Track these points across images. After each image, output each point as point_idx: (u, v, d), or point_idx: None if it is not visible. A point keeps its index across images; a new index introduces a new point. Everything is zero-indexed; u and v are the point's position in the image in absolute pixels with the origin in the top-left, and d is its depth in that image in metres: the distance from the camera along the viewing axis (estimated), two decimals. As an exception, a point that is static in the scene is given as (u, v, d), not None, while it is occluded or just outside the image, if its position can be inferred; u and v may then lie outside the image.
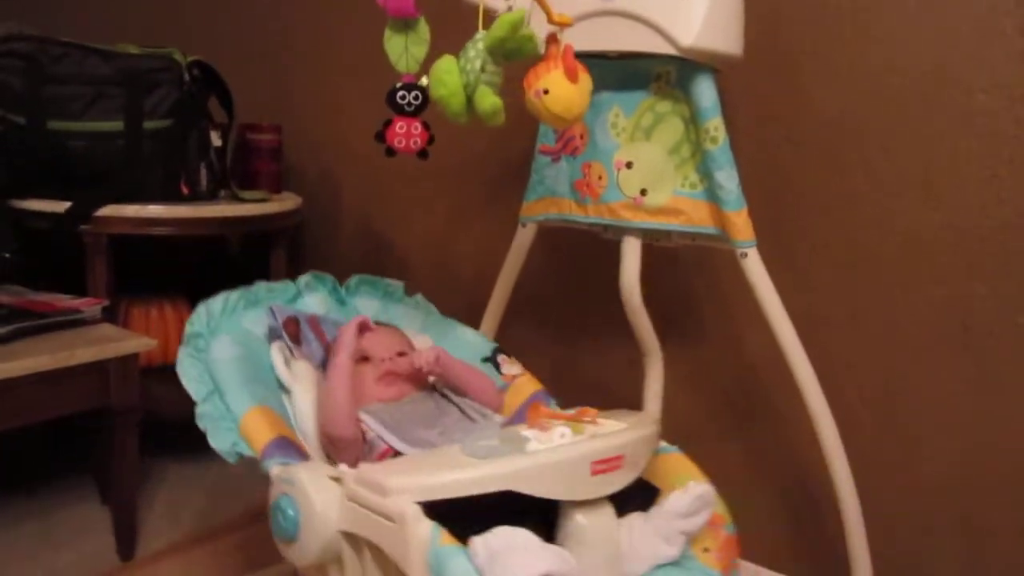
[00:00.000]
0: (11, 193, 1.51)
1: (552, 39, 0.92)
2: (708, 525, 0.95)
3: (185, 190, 1.58)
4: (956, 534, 1.22)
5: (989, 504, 1.19)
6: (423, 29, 0.99)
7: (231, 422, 1.01)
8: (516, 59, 0.93)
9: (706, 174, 1.11)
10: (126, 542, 1.42)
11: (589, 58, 0.98)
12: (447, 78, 0.93)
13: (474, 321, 1.31)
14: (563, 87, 0.90)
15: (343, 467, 0.96)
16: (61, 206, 1.47)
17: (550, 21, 0.92)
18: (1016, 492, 1.16)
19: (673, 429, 1.46)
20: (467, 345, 1.25)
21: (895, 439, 1.25)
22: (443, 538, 0.76)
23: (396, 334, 1.19)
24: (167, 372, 1.05)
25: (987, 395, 1.17)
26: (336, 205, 1.90)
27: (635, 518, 0.92)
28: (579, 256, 1.50)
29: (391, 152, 1.04)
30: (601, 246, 1.27)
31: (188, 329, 1.10)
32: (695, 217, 1.14)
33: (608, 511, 0.89)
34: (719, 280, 1.37)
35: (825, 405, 1.12)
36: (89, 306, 1.40)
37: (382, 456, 1.01)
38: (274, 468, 0.94)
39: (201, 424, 1.00)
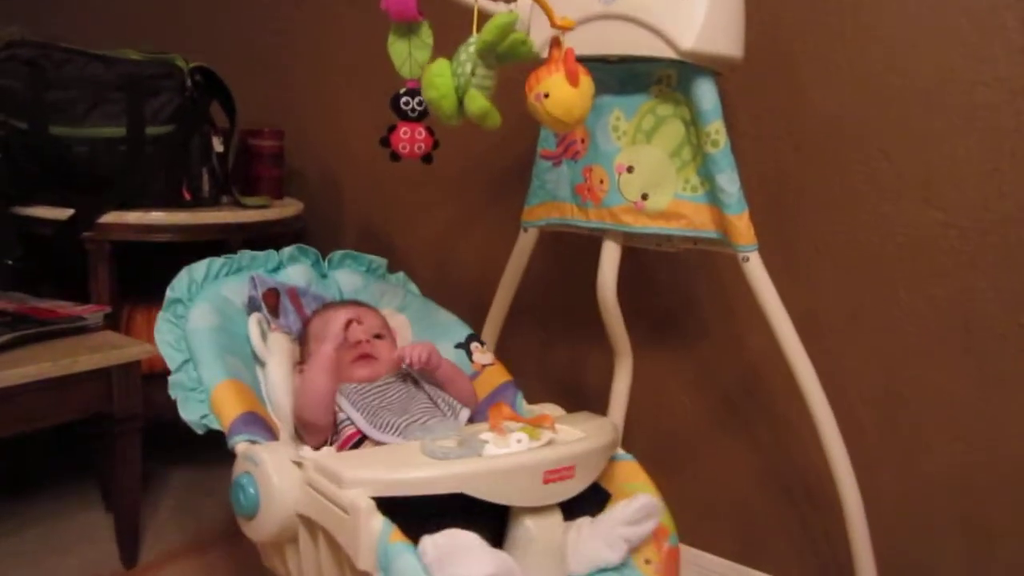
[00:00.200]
0: (14, 199, 1.52)
1: (555, 43, 0.93)
2: (652, 537, 0.97)
3: (187, 196, 1.58)
4: (958, 534, 1.22)
5: (991, 504, 1.19)
6: (426, 34, 0.99)
7: (203, 394, 1.03)
8: (510, 62, 0.93)
9: (707, 177, 1.11)
10: (129, 548, 1.42)
11: (590, 62, 0.98)
12: (438, 81, 0.94)
13: (476, 325, 1.32)
14: (564, 91, 0.91)
15: (306, 450, 0.98)
16: (64, 213, 1.47)
17: (552, 25, 0.92)
18: (1018, 492, 1.16)
19: (675, 430, 1.47)
20: (443, 328, 1.27)
21: (897, 439, 1.25)
22: (393, 534, 0.79)
23: (374, 315, 1.21)
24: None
25: (989, 395, 1.17)
26: (338, 210, 1.90)
27: (583, 522, 0.95)
28: (580, 259, 1.50)
29: (396, 157, 1.05)
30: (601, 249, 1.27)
31: (169, 294, 1.12)
32: (696, 221, 1.14)
33: (557, 518, 0.92)
34: (721, 281, 1.37)
35: (827, 405, 1.12)
36: (91, 313, 1.40)
37: (348, 440, 1.04)
38: (240, 445, 0.97)
39: (172, 393, 1.03)
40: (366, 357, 1.14)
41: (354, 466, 0.86)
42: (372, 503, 0.80)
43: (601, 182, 1.19)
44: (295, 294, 1.23)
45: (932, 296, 1.20)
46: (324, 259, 1.33)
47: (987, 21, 1.11)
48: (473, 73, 0.92)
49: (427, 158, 1.06)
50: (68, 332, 1.35)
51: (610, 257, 1.23)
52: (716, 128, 1.08)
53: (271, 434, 1.01)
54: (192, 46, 1.77)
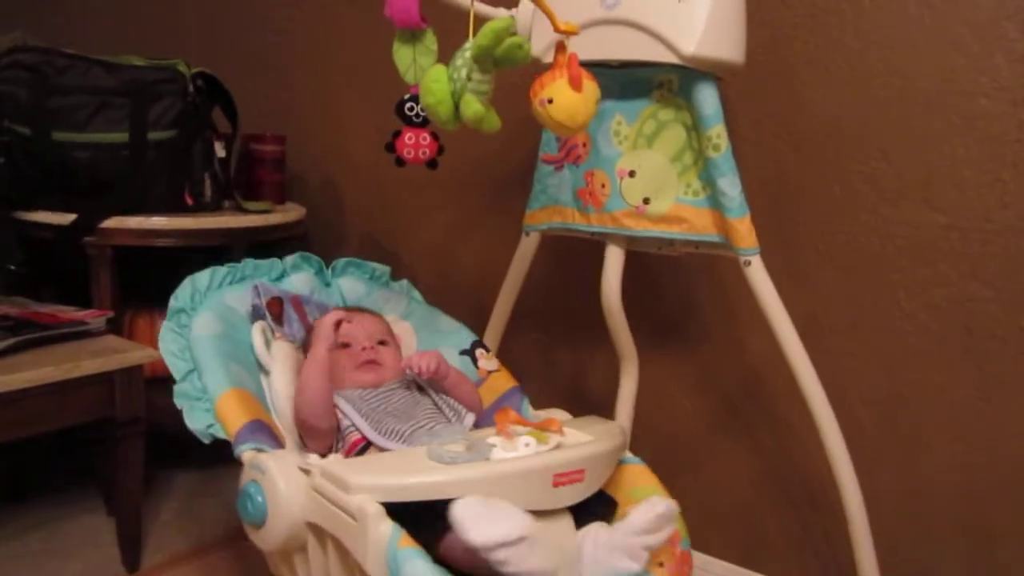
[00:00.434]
0: (16, 204, 1.52)
1: (560, 48, 0.93)
2: (666, 540, 0.95)
3: (189, 201, 1.58)
4: (959, 537, 1.22)
5: (992, 505, 1.19)
6: (430, 40, 0.99)
7: (208, 403, 1.02)
8: (508, 67, 0.93)
9: (709, 181, 1.12)
10: (131, 553, 1.42)
11: (591, 67, 0.99)
12: (435, 86, 0.94)
13: (478, 329, 1.32)
14: (567, 96, 0.91)
15: (313, 457, 0.98)
16: (66, 218, 1.48)
17: (556, 30, 0.93)
18: (1018, 493, 1.17)
19: (677, 433, 1.47)
20: (447, 335, 1.27)
21: (898, 442, 1.25)
22: (402, 540, 0.78)
23: (377, 321, 1.21)
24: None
25: (989, 396, 1.18)
26: (340, 215, 1.90)
27: (598, 528, 0.93)
28: (581, 263, 1.51)
29: (401, 162, 1.05)
30: (603, 253, 1.27)
31: (173, 303, 1.12)
32: (698, 225, 1.15)
33: (567, 521, 0.92)
34: (722, 284, 1.38)
35: (828, 408, 1.12)
36: (94, 317, 1.40)
37: (353, 446, 1.04)
38: (246, 453, 0.96)
39: (178, 403, 1.02)
40: (371, 363, 1.14)
41: (361, 472, 0.86)
42: (381, 508, 0.80)
43: (603, 186, 1.19)
44: (299, 302, 1.23)
45: (932, 298, 1.20)
46: (327, 267, 1.33)
47: (988, 29, 1.12)
48: (469, 78, 0.92)
49: (432, 163, 1.06)
50: (70, 337, 1.35)
51: (614, 262, 1.24)
52: (717, 132, 1.08)
53: (277, 442, 1.01)
54: (193, 50, 1.77)
